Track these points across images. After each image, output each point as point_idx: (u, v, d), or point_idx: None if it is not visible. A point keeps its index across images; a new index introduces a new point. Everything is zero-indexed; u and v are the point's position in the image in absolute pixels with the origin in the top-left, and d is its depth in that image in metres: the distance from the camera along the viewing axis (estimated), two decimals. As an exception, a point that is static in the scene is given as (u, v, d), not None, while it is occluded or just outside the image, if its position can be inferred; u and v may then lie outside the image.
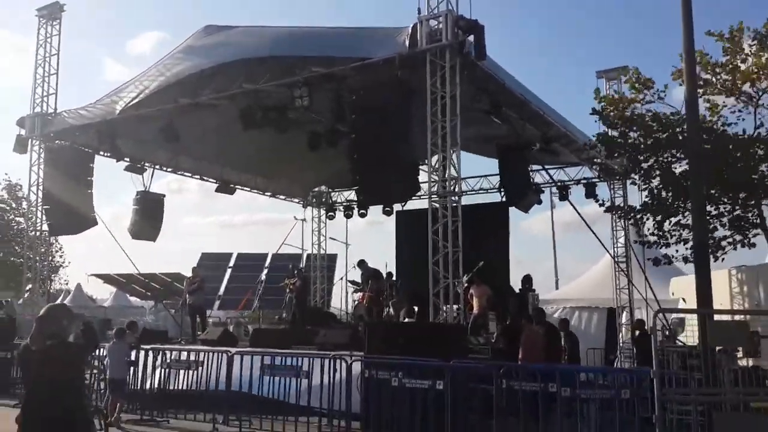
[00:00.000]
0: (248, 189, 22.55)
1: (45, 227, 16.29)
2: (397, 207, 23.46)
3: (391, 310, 15.95)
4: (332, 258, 26.76)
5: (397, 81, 11.18)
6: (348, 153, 12.35)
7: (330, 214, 24.83)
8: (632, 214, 13.00)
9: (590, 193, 18.95)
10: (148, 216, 18.21)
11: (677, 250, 13.29)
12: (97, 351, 9.35)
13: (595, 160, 18.10)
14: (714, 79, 12.41)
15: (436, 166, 10.96)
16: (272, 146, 19.16)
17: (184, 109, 14.06)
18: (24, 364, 4.82)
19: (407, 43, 11.03)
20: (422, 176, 12.57)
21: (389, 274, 17.67)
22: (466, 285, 15.40)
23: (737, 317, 10.03)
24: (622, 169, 18.42)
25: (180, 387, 10.94)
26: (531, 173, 16.37)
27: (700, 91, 12.17)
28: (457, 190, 10.81)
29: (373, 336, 9.61)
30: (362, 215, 24.19)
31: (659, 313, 17.88)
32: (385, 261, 21.17)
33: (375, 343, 9.48)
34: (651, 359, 15.31)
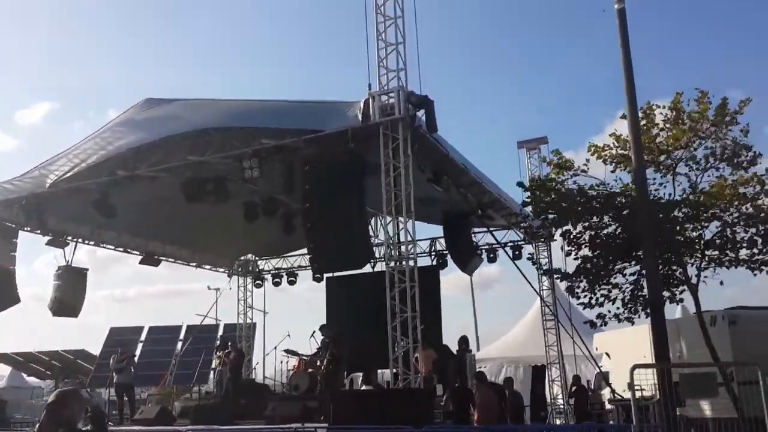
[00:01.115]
0: (172, 260, 22.00)
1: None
2: (327, 274, 23.72)
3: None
4: (251, 327, 26.24)
5: (349, 152, 11.48)
6: (303, 222, 12.44)
7: (257, 282, 24.51)
8: (572, 278, 13.67)
9: (517, 255, 19.77)
10: (71, 291, 17.40)
11: (609, 310, 14.11)
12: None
13: (522, 224, 19.07)
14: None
15: (392, 233, 11.24)
16: (199, 217, 18.93)
17: (119, 182, 13.75)
18: None
19: (360, 116, 11.43)
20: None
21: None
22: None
23: (703, 369, 10.67)
24: (546, 231, 19.48)
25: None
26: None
27: (622, 165, 13.31)
28: (412, 255, 11.10)
29: (339, 406, 9.53)
30: (291, 283, 24.09)
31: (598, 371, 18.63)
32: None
33: (341, 413, 9.40)
34: (588, 415, 15.89)
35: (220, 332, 27.28)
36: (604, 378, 21.71)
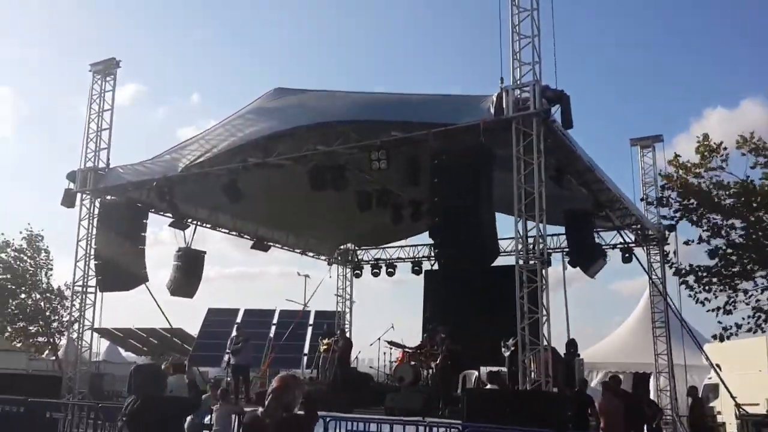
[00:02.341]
0: (279, 246, 22.59)
1: (91, 282, 15.97)
2: (425, 266, 23.80)
3: (433, 370, 15.77)
4: (333, 315, 26.57)
5: (479, 146, 11.39)
6: (431, 216, 12.49)
7: (357, 272, 24.86)
8: (705, 276, 13.10)
9: (627, 258, 19.15)
10: (189, 272, 18.11)
11: (743, 318, 13.48)
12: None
13: (633, 226, 18.46)
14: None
15: (521, 231, 11.09)
16: (306, 206, 19.38)
17: (248, 168, 14.17)
18: None
19: (492, 110, 11.30)
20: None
21: (434, 330, 17.53)
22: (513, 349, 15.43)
23: None
24: (660, 234, 18.77)
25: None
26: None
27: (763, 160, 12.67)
28: (545, 255, 10.91)
29: (474, 404, 9.49)
30: (390, 274, 24.30)
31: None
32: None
33: (476, 411, 9.36)
34: (704, 427, 15.19)
35: (311, 320, 27.97)
36: (713, 390, 20.77)
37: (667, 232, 18.96)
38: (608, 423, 11.16)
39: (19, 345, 30.22)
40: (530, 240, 11.25)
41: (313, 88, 13.80)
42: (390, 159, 12.15)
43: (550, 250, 19.30)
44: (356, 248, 25.26)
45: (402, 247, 24.34)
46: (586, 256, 14.21)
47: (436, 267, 23.46)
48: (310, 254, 24.18)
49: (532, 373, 13.72)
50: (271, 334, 26.63)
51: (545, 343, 10.94)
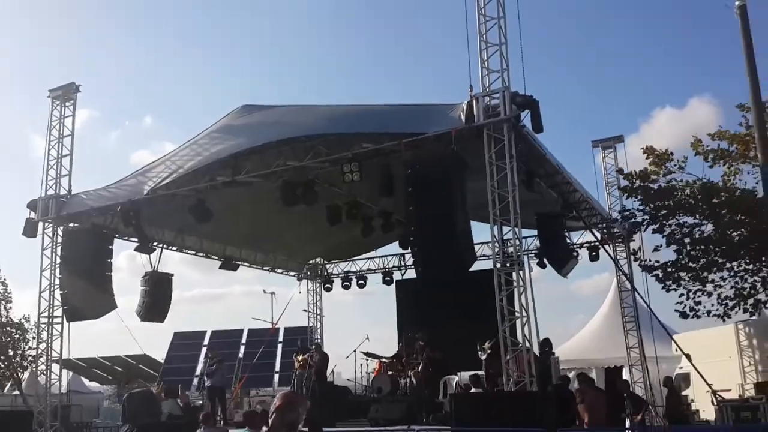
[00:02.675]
0: (248, 264, 22.34)
1: (57, 313, 15.50)
2: (396, 276, 23.84)
3: (412, 378, 15.77)
4: (304, 331, 26.37)
5: (452, 154, 11.47)
6: (406, 225, 12.53)
7: (327, 286, 24.72)
8: (673, 272, 13.46)
9: (594, 256, 19.52)
10: (158, 296, 17.73)
11: (712, 305, 13.87)
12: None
13: (600, 225, 18.86)
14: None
15: (497, 235, 11.20)
16: (273, 222, 19.28)
17: (216, 188, 14.00)
18: None
19: (463, 118, 11.41)
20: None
21: (412, 338, 17.52)
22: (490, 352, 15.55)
23: None
24: (626, 232, 19.21)
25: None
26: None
27: (722, 161, 13.13)
28: (521, 257, 11.04)
29: (461, 407, 9.52)
30: (361, 286, 24.23)
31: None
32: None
33: (464, 415, 9.39)
34: (684, 415, 15.49)
35: (281, 337, 27.70)
36: (684, 379, 21.20)
37: (633, 230, 19.45)
38: (592, 417, 11.30)
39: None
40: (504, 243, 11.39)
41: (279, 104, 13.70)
42: (362, 171, 12.13)
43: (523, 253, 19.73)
44: (325, 262, 25.15)
45: (371, 258, 24.33)
46: (560, 257, 14.44)
47: (407, 276, 23.63)
48: (279, 271, 23.96)
49: (515, 374, 13.94)
50: (241, 354, 26.29)
51: (527, 344, 11.04)
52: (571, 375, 22.87)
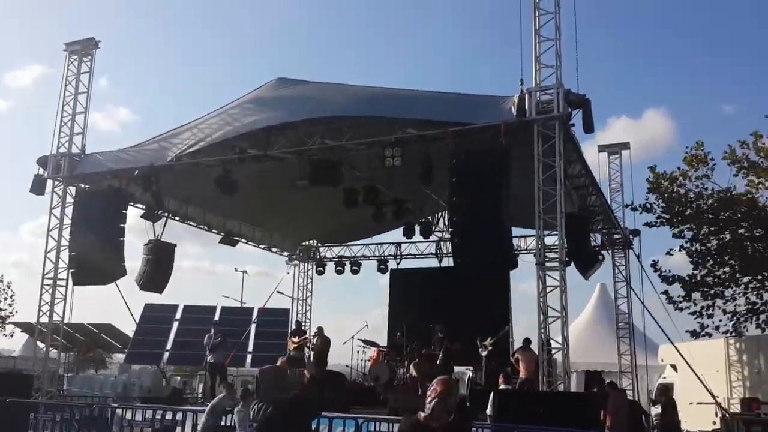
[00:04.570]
0: (245, 241, 21.97)
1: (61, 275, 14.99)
2: (391, 265, 23.72)
3: (413, 370, 15.68)
4: (285, 313, 26.10)
5: (499, 148, 11.38)
6: (449, 215, 12.39)
7: (319, 269, 24.47)
8: (691, 285, 13.62)
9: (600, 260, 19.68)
10: (159, 266, 17.26)
11: (720, 320, 14.11)
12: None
13: (604, 230, 19.05)
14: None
15: (541, 234, 11.17)
16: (275, 200, 18.97)
17: (245, 160, 13.67)
18: None
19: (514, 111, 11.31)
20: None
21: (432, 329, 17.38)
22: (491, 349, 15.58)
23: None
24: (625, 239, 19.44)
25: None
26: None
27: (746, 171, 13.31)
28: (564, 257, 11.02)
29: (504, 403, 9.46)
30: (354, 272, 24.04)
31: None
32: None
33: (506, 411, 9.34)
34: (679, 426, 15.66)
35: (254, 316, 27.31)
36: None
37: (631, 237, 19.69)
38: (614, 422, 11.38)
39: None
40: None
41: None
42: (404, 156, 11.95)
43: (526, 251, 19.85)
44: (319, 245, 24.89)
45: (367, 245, 24.19)
46: (586, 260, 14.50)
47: (402, 266, 23.53)
48: (275, 250, 23.63)
49: (524, 372, 13.97)
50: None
51: (557, 344, 11.07)
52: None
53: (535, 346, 12.46)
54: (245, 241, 21.88)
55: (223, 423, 10.41)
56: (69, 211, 15.09)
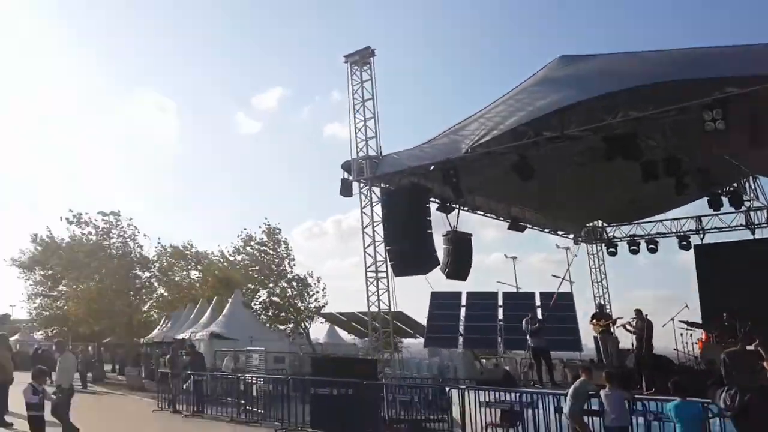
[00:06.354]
0: (530, 226, 21.75)
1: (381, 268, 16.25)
2: (694, 241, 21.64)
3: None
4: (569, 296, 25.04)
5: None
6: None
7: (611, 249, 23.32)
8: None
9: None
10: (459, 255, 17.88)
11: None
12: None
13: None
14: None
15: None
16: (556, 182, 18.24)
17: (539, 144, 13.38)
18: None
19: None
20: None
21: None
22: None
23: None
24: None
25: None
26: None
27: None
28: None
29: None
30: (651, 251, 22.47)
31: None
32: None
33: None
34: None
35: (538, 301, 26.76)
36: None
37: None
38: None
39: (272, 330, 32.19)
40: None
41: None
42: (726, 118, 10.63)
43: None
44: (605, 225, 23.74)
45: (661, 221, 22.43)
46: None
47: (707, 241, 21.37)
48: (560, 233, 23.09)
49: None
50: (501, 316, 25.98)
51: None
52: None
53: None
54: (530, 226, 21.67)
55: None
56: (377, 209, 16.29)
